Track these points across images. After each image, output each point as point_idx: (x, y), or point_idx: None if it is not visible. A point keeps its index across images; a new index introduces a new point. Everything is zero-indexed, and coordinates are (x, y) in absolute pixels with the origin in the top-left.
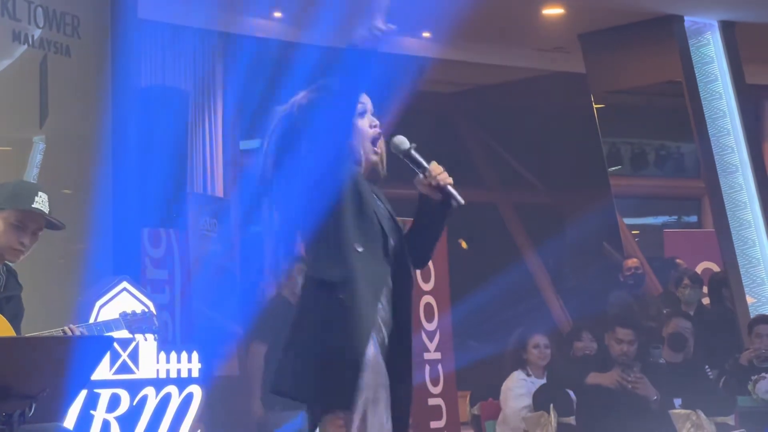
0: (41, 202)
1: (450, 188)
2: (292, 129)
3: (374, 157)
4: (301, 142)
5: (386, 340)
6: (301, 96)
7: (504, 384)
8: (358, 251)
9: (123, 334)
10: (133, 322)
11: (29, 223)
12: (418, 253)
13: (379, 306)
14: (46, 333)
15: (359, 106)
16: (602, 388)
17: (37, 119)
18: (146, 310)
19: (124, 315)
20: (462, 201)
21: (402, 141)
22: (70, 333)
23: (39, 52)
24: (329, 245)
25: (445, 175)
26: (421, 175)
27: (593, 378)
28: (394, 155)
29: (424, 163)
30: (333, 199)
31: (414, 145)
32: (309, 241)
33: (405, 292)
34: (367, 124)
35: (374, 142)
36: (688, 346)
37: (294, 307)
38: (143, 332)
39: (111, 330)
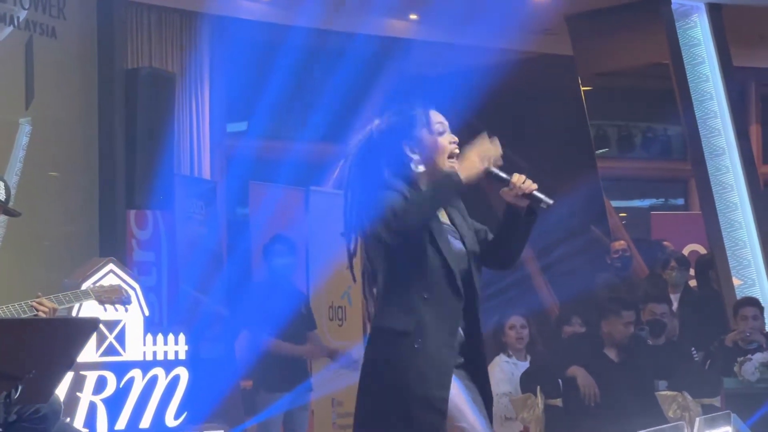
0: None
1: (536, 193)
2: (370, 153)
3: (450, 169)
4: (379, 167)
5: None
6: (376, 123)
7: (488, 369)
8: (424, 298)
9: (93, 305)
10: (103, 294)
11: None
12: (508, 257)
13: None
14: (11, 307)
15: (438, 126)
16: (591, 369)
17: (23, 101)
18: (114, 284)
19: (92, 287)
20: (551, 201)
21: None
22: (40, 306)
23: (24, 33)
24: (396, 293)
25: (528, 182)
26: (506, 188)
27: (573, 371)
28: None
29: (506, 176)
30: (396, 245)
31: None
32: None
33: (475, 315)
34: (447, 141)
35: (451, 156)
36: (668, 330)
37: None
38: (113, 303)
39: (80, 300)
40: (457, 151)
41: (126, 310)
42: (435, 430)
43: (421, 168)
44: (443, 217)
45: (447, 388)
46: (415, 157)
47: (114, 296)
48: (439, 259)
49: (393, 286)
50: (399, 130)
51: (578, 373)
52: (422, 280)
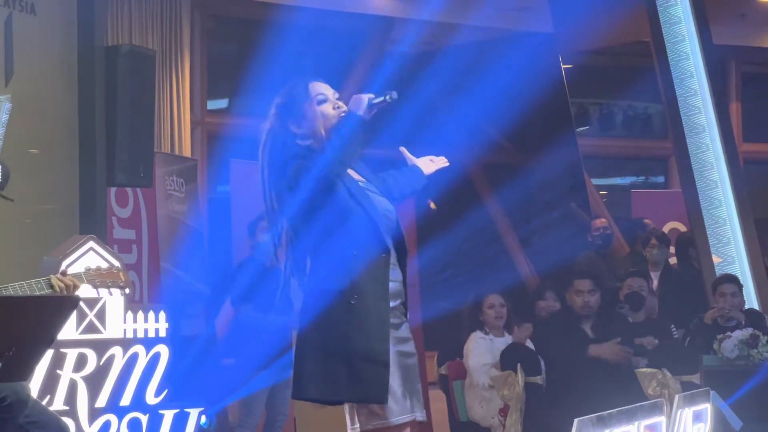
0: None
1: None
2: (271, 138)
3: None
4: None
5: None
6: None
7: (465, 345)
8: (354, 255)
9: (86, 288)
10: (96, 277)
11: None
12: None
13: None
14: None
15: (320, 97)
16: (569, 349)
17: (2, 78)
18: (110, 265)
19: (87, 270)
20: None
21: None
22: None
23: (4, 10)
24: (327, 254)
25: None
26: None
27: (594, 350)
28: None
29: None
30: (322, 211)
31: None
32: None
33: (404, 269)
34: (330, 108)
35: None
36: (647, 305)
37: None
38: (108, 287)
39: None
40: (343, 114)
41: (121, 294)
42: (381, 382)
43: (309, 141)
44: (356, 176)
45: (387, 339)
46: (301, 131)
47: (110, 280)
48: (363, 215)
49: (323, 247)
50: (283, 111)
51: (602, 351)
52: (350, 237)
